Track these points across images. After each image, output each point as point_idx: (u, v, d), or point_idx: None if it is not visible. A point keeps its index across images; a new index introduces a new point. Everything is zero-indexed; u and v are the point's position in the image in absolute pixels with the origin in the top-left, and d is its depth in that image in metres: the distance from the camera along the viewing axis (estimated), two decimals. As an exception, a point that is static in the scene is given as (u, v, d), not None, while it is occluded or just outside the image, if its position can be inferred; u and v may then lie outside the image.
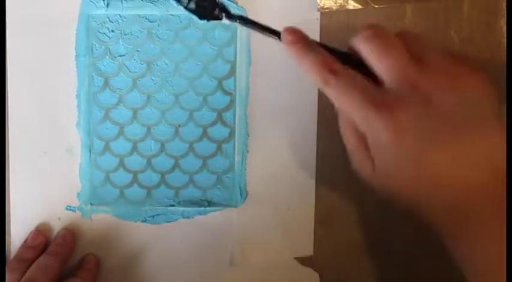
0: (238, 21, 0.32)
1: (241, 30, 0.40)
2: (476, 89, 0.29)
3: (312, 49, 0.30)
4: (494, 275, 0.28)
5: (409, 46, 0.30)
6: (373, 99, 0.29)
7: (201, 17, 0.33)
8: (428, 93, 0.28)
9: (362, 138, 0.30)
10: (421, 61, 0.29)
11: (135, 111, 0.40)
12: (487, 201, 0.28)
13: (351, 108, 0.29)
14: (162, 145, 0.41)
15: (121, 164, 0.41)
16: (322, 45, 0.31)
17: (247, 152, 0.41)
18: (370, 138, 0.29)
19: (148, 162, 0.41)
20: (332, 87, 0.29)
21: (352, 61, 0.30)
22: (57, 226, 0.41)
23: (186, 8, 0.33)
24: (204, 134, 0.41)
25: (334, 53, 0.30)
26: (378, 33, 0.30)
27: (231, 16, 0.32)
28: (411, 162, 0.29)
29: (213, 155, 0.41)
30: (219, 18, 0.32)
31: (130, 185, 0.41)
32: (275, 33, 0.31)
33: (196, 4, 0.33)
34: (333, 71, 0.29)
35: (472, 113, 0.28)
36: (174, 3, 0.34)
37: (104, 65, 0.40)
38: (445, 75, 0.29)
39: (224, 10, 0.32)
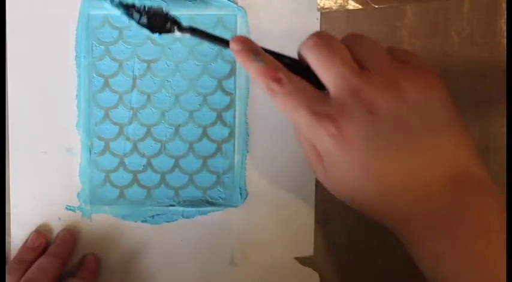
0: (189, 32, 0.32)
1: (242, 30, 0.40)
2: (422, 94, 0.28)
3: (257, 58, 0.30)
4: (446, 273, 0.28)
5: (354, 52, 0.29)
6: (317, 109, 0.28)
7: (153, 31, 0.33)
8: (371, 103, 0.28)
9: (313, 145, 0.30)
10: (365, 68, 0.29)
11: (135, 111, 0.40)
12: (437, 206, 0.28)
13: (295, 117, 0.29)
14: (162, 145, 0.41)
15: (121, 164, 0.41)
16: (272, 53, 0.31)
17: (247, 152, 0.41)
18: (318, 146, 0.29)
19: (148, 162, 0.41)
20: (277, 96, 0.29)
21: (300, 68, 0.30)
22: (57, 226, 0.41)
23: (138, 23, 0.33)
24: (204, 134, 0.41)
25: (283, 60, 0.30)
26: (322, 41, 0.29)
27: (182, 28, 0.32)
28: (358, 171, 0.28)
29: (213, 155, 0.41)
30: (171, 31, 0.32)
31: (130, 185, 0.41)
32: (225, 43, 0.31)
33: (148, 19, 0.33)
34: (277, 80, 0.29)
35: (418, 119, 0.28)
36: (127, 19, 0.34)
37: (103, 65, 0.40)
38: (388, 83, 0.28)
39: (175, 23, 0.32)
